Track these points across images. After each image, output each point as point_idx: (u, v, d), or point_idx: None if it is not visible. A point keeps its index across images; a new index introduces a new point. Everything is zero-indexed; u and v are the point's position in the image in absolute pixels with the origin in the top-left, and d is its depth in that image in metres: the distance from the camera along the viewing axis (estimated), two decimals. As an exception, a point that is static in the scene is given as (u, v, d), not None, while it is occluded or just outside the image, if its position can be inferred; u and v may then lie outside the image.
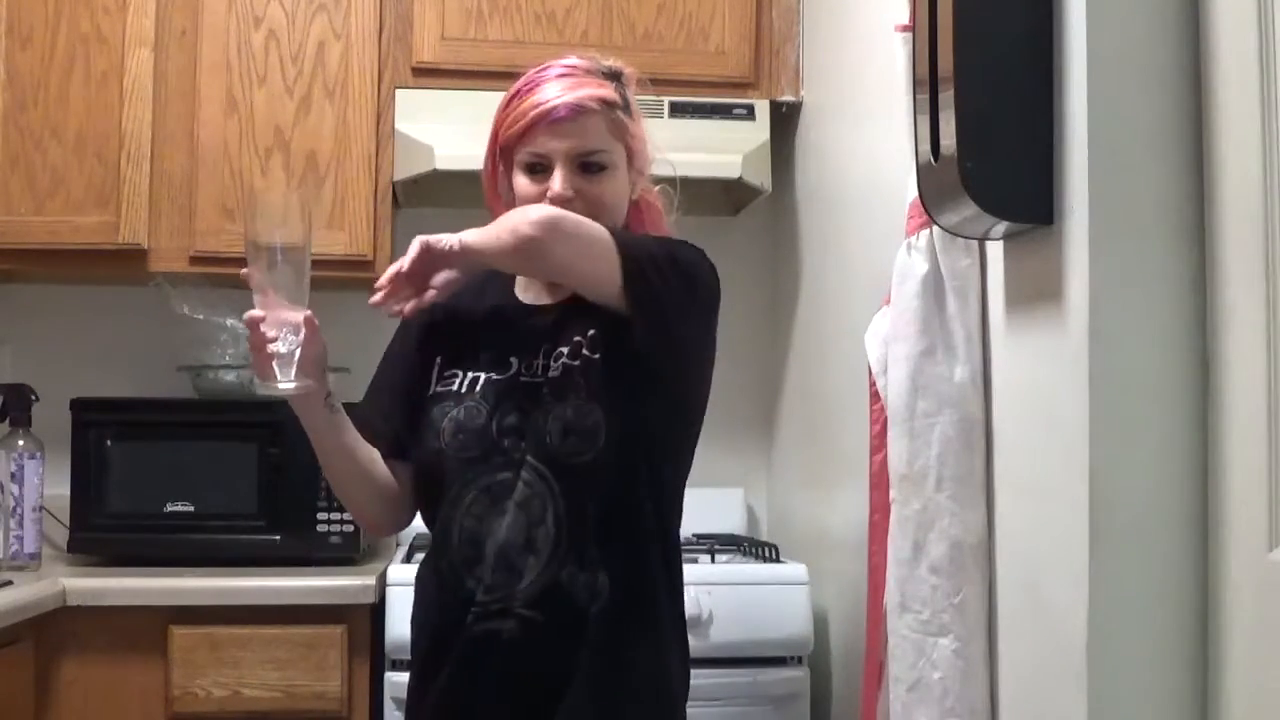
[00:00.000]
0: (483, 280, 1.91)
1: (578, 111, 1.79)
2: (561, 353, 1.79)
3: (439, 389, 1.85)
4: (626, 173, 1.85)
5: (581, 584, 1.73)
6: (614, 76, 1.87)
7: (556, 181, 1.79)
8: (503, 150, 1.85)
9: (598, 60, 1.88)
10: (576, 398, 1.75)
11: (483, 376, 1.82)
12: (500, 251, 1.71)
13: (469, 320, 1.90)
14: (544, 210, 1.72)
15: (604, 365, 1.76)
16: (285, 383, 1.68)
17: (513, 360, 1.81)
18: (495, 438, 1.77)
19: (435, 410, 1.83)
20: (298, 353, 1.67)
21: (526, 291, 1.90)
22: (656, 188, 1.96)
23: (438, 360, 1.88)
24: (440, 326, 1.92)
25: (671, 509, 1.85)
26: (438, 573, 1.82)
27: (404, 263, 1.71)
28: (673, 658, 1.83)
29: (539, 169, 1.81)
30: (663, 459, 1.83)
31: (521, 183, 1.83)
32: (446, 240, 1.71)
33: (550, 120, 1.79)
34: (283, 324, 1.67)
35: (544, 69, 1.84)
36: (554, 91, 1.80)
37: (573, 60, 1.86)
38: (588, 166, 1.80)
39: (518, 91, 1.84)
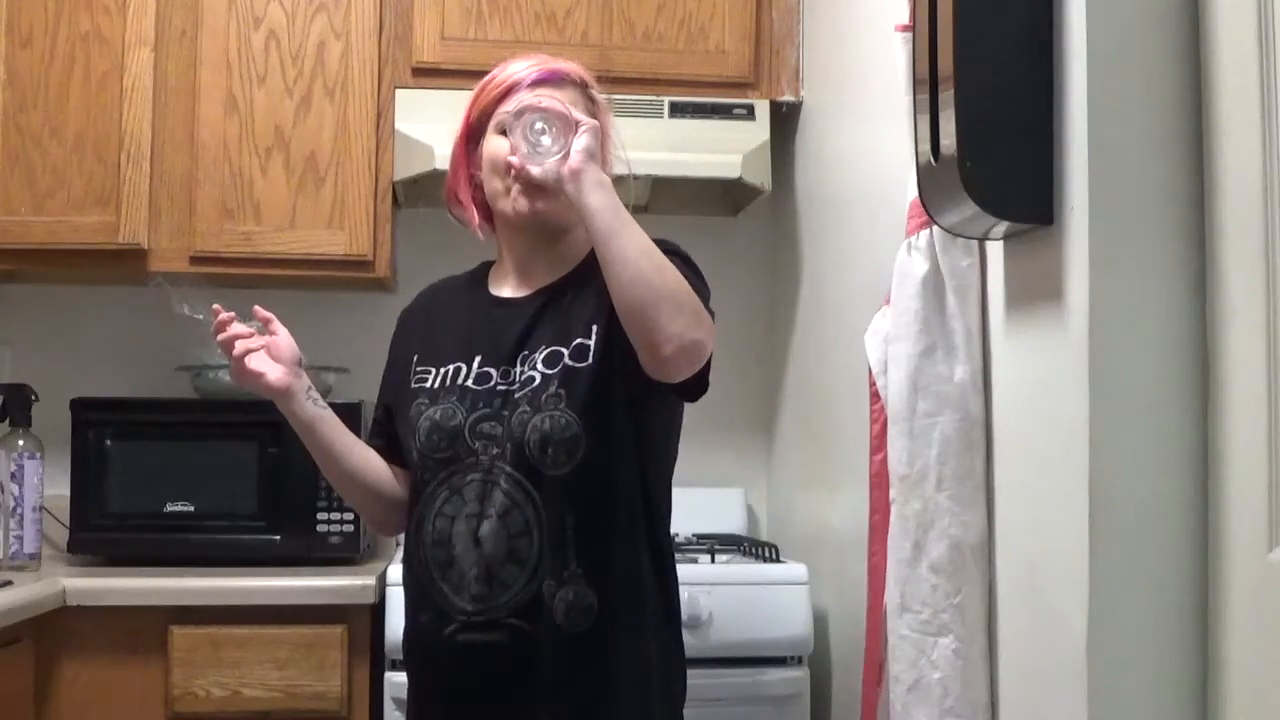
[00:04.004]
0: (463, 280, 1.93)
1: (559, 76, 1.82)
2: (536, 359, 1.78)
3: (414, 385, 1.85)
4: None
5: (565, 598, 1.72)
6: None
7: None
8: (473, 130, 1.85)
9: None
10: (555, 408, 1.74)
11: (454, 371, 1.82)
12: (609, 231, 1.65)
13: (444, 316, 1.91)
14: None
15: (591, 376, 1.75)
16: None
17: (486, 358, 1.81)
18: (468, 440, 1.76)
19: (413, 408, 1.83)
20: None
21: (501, 286, 1.90)
22: None
23: (414, 357, 1.88)
24: (420, 325, 1.93)
25: (657, 511, 1.84)
26: (413, 574, 1.82)
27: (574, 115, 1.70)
28: (667, 662, 1.83)
29: None
30: (647, 462, 1.82)
31: (495, 143, 1.80)
32: (583, 148, 1.67)
33: (532, 80, 1.80)
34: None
35: (516, 56, 1.87)
36: (530, 64, 1.83)
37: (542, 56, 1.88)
38: None
39: (493, 75, 1.86)
